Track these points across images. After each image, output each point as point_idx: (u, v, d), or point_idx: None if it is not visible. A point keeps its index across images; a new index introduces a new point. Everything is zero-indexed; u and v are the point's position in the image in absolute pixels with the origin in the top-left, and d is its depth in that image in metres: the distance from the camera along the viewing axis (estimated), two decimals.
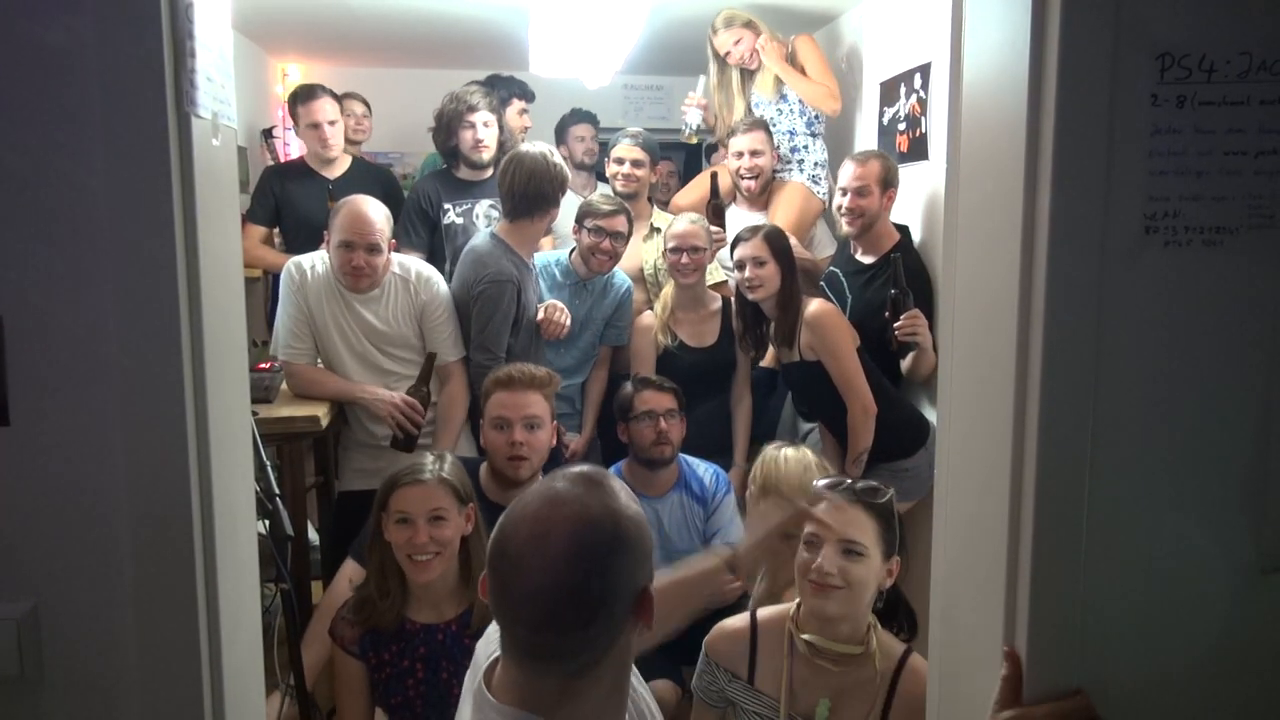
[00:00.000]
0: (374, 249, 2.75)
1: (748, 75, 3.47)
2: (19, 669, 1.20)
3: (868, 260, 2.97)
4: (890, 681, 1.74)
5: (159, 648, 1.24)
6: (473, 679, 1.23)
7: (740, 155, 3.35)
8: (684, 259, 3.07)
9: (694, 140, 3.76)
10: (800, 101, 3.38)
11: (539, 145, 3.00)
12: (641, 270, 3.52)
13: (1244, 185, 1.06)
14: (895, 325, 2.71)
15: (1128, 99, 1.04)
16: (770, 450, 2.35)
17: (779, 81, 3.39)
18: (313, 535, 3.23)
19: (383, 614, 2.02)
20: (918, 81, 2.96)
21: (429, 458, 2.09)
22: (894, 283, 2.73)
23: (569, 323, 3.04)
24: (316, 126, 3.63)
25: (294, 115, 3.72)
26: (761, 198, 3.42)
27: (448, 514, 1.98)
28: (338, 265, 2.78)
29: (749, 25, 3.35)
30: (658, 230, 3.43)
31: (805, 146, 3.44)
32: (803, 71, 3.32)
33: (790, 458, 2.31)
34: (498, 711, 1.12)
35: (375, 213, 2.78)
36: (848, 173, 2.90)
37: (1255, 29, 1.04)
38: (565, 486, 1.13)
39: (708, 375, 3.14)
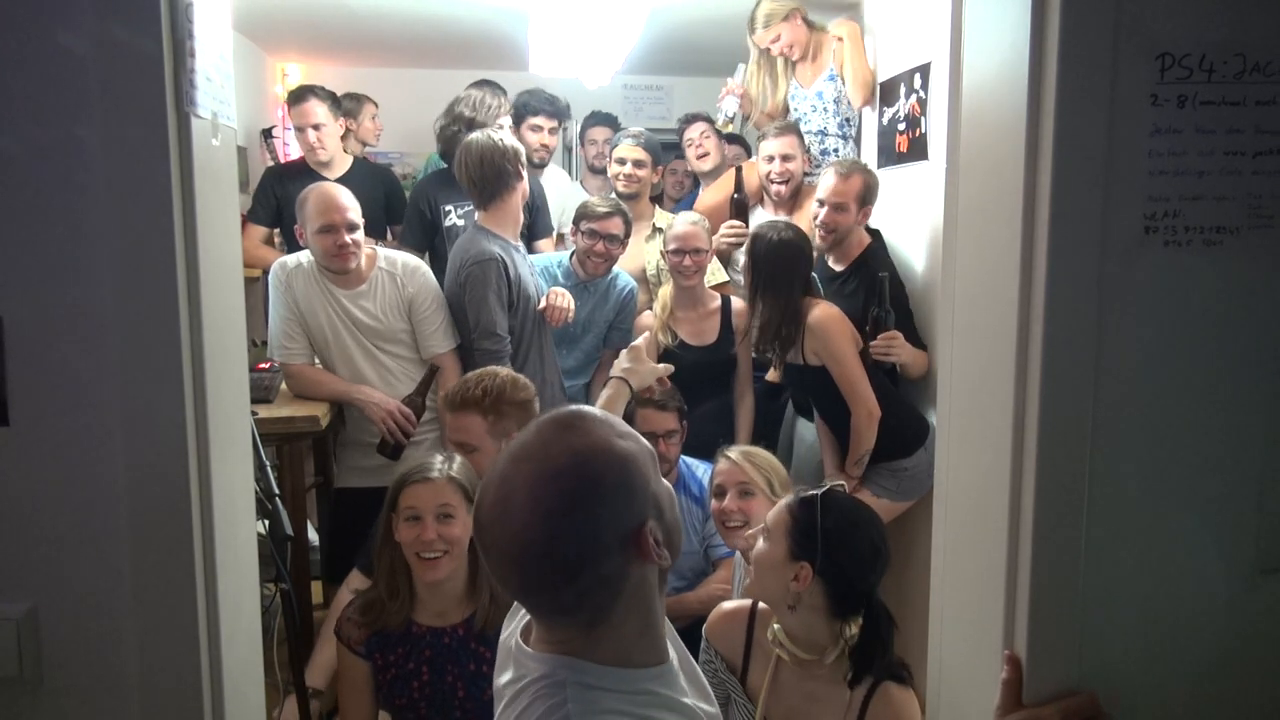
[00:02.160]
0: (353, 227, 2.78)
1: (789, 62, 3.45)
2: (19, 669, 1.20)
3: (839, 268, 2.98)
4: (862, 703, 1.73)
5: (159, 648, 1.24)
6: (506, 656, 1.20)
7: (771, 160, 3.29)
8: (685, 260, 3.06)
9: (729, 129, 3.71)
10: (835, 101, 3.34)
11: (484, 130, 3.03)
12: (644, 270, 3.51)
13: (1244, 185, 1.06)
14: (870, 344, 2.72)
15: (1128, 99, 1.04)
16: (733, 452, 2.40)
17: (815, 74, 3.38)
18: (312, 535, 3.23)
19: (391, 615, 2.02)
20: (918, 81, 2.96)
21: (438, 457, 2.08)
22: (878, 301, 2.73)
23: (573, 308, 3.02)
24: (301, 130, 3.66)
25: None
26: (789, 201, 3.39)
27: (456, 512, 1.99)
28: (322, 252, 2.78)
29: (787, 19, 3.30)
30: (660, 230, 3.42)
31: (835, 150, 3.40)
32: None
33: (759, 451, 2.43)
34: (534, 659, 1.08)
35: (343, 193, 2.81)
36: (828, 185, 2.88)
37: (1248, 30, 1.04)
38: (533, 437, 1.05)
39: (709, 374, 3.13)
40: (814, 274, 3.07)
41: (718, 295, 3.24)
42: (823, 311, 2.78)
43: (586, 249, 3.13)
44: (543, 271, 3.21)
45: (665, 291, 3.22)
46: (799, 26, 3.32)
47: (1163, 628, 1.12)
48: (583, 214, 3.16)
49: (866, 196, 2.87)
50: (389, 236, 3.80)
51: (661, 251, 3.22)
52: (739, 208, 3.35)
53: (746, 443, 3.12)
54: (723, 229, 3.29)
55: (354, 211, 2.79)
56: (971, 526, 1.25)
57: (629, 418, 2.79)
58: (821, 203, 2.88)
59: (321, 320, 2.85)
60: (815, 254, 3.01)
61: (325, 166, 3.70)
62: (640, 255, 3.51)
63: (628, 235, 3.19)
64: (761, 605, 1.89)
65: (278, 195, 3.69)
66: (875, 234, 2.98)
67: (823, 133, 3.42)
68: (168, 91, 1.18)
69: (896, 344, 2.71)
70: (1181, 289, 1.07)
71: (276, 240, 3.89)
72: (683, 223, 3.12)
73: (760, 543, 1.78)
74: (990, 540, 1.17)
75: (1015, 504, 1.12)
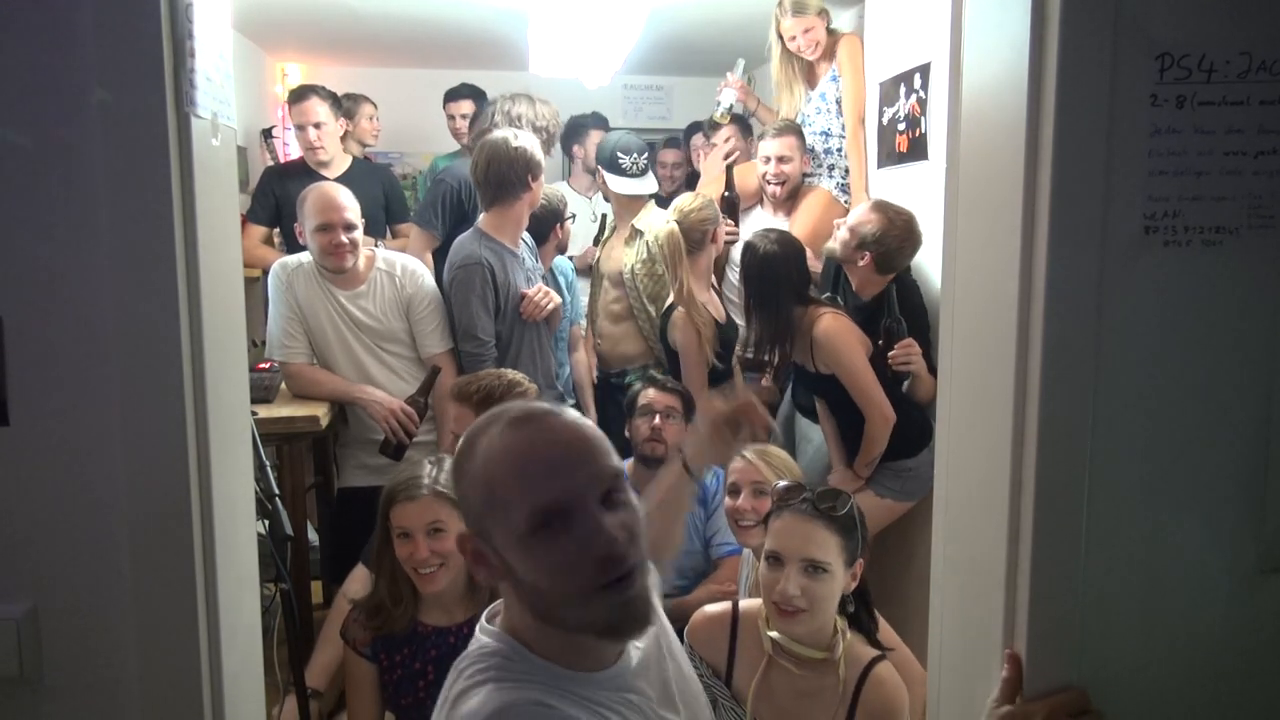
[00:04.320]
0: (350, 226, 2.79)
1: (803, 62, 3.42)
2: (19, 669, 1.20)
3: (865, 297, 2.94)
4: (854, 690, 1.73)
5: (159, 648, 1.24)
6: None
7: (768, 160, 3.30)
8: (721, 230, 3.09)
9: (725, 121, 3.70)
10: (838, 102, 3.34)
11: (505, 130, 3.02)
12: (620, 273, 3.49)
13: (1244, 185, 1.06)
14: (889, 355, 2.69)
15: (1128, 99, 1.04)
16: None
17: (820, 73, 3.38)
18: (312, 535, 3.23)
19: (396, 620, 2.02)
20: (918, 81, 2.96)
21: (426, 466, 2.06)
22: (887, 311, 2.71)
23: (551, 306, 2.99)
24: (301, 129, 3.66)
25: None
26: (787, 202, 3.38)
27: (446, 525, 1.97)
28: (319, 250, 2.79)
29: (821, 14, 3.29)
30: (641, 233, 3.41)
31: (839, 150, 3.40)
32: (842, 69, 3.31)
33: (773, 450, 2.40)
34: (486, 633, 1.11)
35: (342, 193, 2.82)
36: (840, 234, 2.84)
37: (1255, 29, 1.04)
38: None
39: (730, 348, 3.11)
40: (838, 296, 3.05)
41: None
42: (828, 324, 2.75)
43: (568, 233, 3.24)
44: None
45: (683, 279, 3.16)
46: (824, 29, 3.32)
47: (1163, 628, 1.12)
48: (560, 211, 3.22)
49: (863, 243, 2.76)
50: (388, 236, 3.80)
51: (711, 232, 3.15)
52: (729, 207, 3.34)
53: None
54: None
55: (352, 211, 2.79)
56: (971, 526, 1.25)
57: (634, 397, 2.81)
58: (838, 230, 2.86)
59: (323, 320, 2.86)
60: (838, 277, 2.98)
61: (324, 166, 3.70)
62: (619, 259, 3.49)
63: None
64: (744, 606, 1.89)
65: (276, 195, 3.70)
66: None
67: (827, 133, 3.42)
68: (168, 91, 1.18)
69: (915, 351, 2.68)
70: (1181, 289, 1.07)
71: (276, 240, 3.90)
72: (705, 205, 3.11)
73: (819, 586, 1.74)
74: (990, 540, 1.17)
75: (1015, 504, 1.12)
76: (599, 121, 4.24)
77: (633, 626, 1.04)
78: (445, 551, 1.96)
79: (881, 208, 2.81)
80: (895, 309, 2.70)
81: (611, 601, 1.00)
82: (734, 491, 2.34)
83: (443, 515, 1.97)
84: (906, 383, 2.81)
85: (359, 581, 2.39)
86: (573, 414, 1.10)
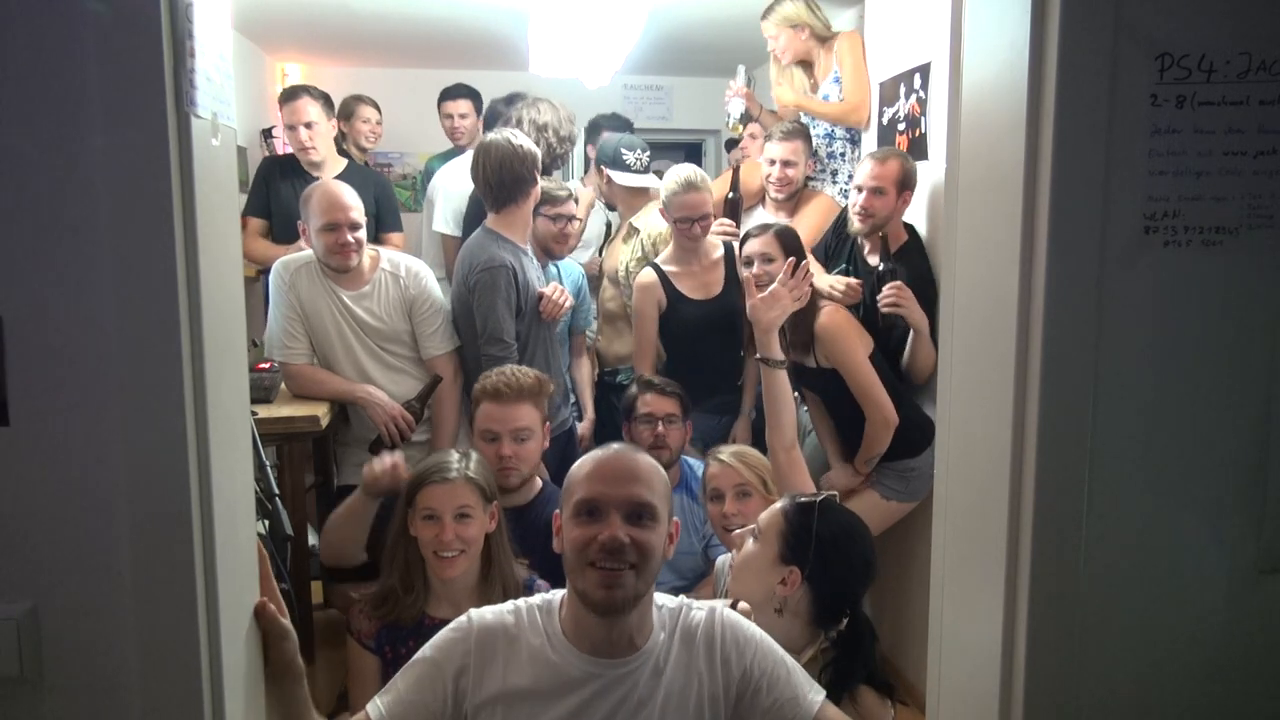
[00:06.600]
0: (356, 225, 2.81)
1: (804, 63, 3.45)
2: (19, 669, 1.20)
3: (874, 261, 2.93)
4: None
5: (159, 648, 1.24)
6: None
7: (773, 163, 3.29)
8: (694, 228, 3.03)
9: (739, 130, 3.70)
10: (841, 102, 3.36)
11: (502, 132, 3.01)
12: (617, 271, 3.48)
13: (1243, 185, 1.06)
14: (878, 297, 2.68)
15: (1128, 99, 1.04)
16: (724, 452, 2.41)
17: (824, 76, 3.38)
18: (312, 535, 3.23)
19: (405, 609, 2.04)
20: (917, 81, 2.96)
21: (454, 455, 2.12)
22: (882, 257, 2.70)
23: (569, 304, 3.02)
24: (293, 129, 3.66)
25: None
26: (789, 203, 3.37)
27: (473, 512, 2.01)
28: (324, 249, 2.79)
29: (795, 28, 3.32)
30: (638, 230, 3.40)
31: (843, 154, 3.39)
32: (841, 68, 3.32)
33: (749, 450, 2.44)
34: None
35: (347, 191, 2.84)
36: (865, 171, 2.83)
37: (1255, 29, 1.04)
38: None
39: (717, 326, 3.09)
40: (845, 265, 3.05)
41: (719, 244, 3.20)
42: (829, 317, 2.74)
43: (555, 233, 3.13)
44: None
45: (658, 236, 3.21)
46: (799, 39, 3.33)
47: (1163, 627, 1.12)
48: (545, 199, 3.14)
49: (905, 181, 2.79)
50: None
51: (661, 210, 3.13)
52: (732, 207, 3.34)
53: (754, 391, 3.13)
54: (714, 227, 3.29)
55: (357, 210, 2.81)
56: (971, 526, 1.25)
57: (631, 402, 2.81)
58: (859, 188, 2.82)
59: (326, 320, 2.86)
60: (851, 244, 2.97)
61: (316, 167, 3.69)
62: (615, 256, 3.49)
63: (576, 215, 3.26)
64: (743, 605, 1.89)
65: (269, 186, 3.71)
66: (911, 230, 2.93)
67: (830, 136, 3.42)
68: (168, 91, 1.18)
69: (905, 296, 2.65)
70: (1181, 289, 1.07)
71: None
72: (685, 189, 3.05)
73: (749, 543, 1.78)
74: (990, 540, 1.17)
75: (1015, 504, 1.12)
76: (622, 123, 4.18)
77: (604, 608, 1.36)
78: (468, 538, 2.00)
79: (878, 159, 2.83)
80: (889, 258, 2.70)
81: (598, 580, 1.35)
82: (717, 497, 2.33)
83: (471, 501, 2.02)
84: (906, 353, 2.78)
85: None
86: (644, 455, 1.47)
